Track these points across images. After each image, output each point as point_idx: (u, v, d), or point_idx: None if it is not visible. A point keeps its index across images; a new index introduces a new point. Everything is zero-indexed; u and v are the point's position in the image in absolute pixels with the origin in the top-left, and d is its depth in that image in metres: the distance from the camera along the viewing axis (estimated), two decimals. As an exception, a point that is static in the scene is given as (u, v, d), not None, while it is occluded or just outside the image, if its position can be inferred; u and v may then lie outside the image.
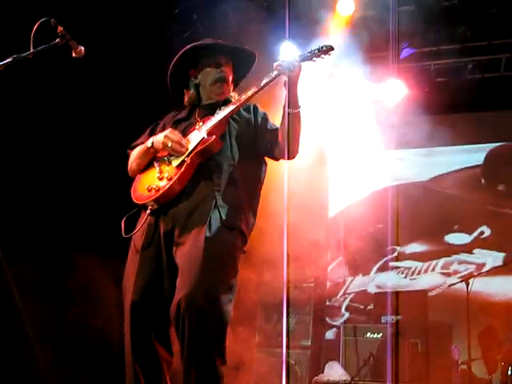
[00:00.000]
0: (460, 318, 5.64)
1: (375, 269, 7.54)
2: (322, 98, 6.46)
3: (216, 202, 2.60)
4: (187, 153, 2.62)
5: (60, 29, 2.41)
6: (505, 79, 7.06)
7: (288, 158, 2.77)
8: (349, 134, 7.20)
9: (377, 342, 5.85)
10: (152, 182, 2.65)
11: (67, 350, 5.13)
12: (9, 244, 2.41)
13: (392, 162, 7.83)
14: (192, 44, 2.92)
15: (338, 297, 7.58)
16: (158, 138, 2.70)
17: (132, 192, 2.75)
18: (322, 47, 2.74)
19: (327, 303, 7.48)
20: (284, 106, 2.67)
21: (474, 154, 7.62)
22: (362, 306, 7.07)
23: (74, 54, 2.49)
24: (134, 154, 2.84)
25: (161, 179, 2.63)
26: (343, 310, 7.49)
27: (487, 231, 7.24)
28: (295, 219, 7.50)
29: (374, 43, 6.36)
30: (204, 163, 2.65)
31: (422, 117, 7.44)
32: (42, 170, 5.28)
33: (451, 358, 5.58)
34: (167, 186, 2.59)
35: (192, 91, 2.92)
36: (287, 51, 6.12)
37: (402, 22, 6.17)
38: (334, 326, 7.27)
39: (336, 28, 6.17)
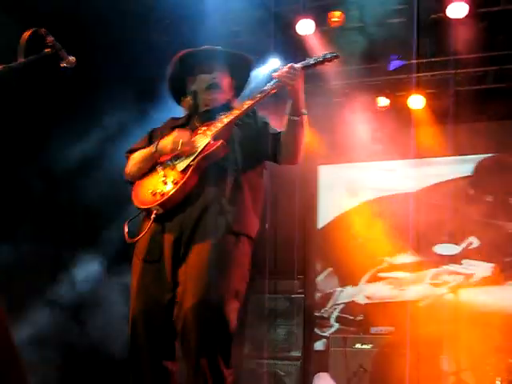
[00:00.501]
0: (449, 328, 5.65)
1: (364, 280, 7.55)
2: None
3: (222, 207, 2.58)
4: (193, 157, 2.58)
5: (50, 39, 2.40)
6: (493, 91, 7.13)
7: (291, 164, 2.79)
8: (338, 144, 7.24)
9: (366, 352, 5.85)
10: (156, 187, 2.60)
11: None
12: None
13: (381, 173, 7.87)
14: (184, 50, 2.92)
15: (328, 308, 7.57)
16: (166, 141, 2.66)
17: (134, 196, 2.70)
18: (326, 55, 2.75)
19: (316, 314, 7.48)
20: (287, 113, 2.67)
21: (463, 165, 7.67)
22: (352, 317, 7.07)
23: (63, 64, 2.47)
24: (136, 158, 2.78)
25: (166, 183, 2.58)
26: (333, 320, 7.48)
27: (476, 242, 7.28)
28: (284, 230, 7.54)
29: (364, 54, 6.43)
30: (209, 168, 2.61)
31: (412, 128, 7.51)
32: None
33: (440, 368, 5.59)
34: (173, 191, 2.54)
35: (189, 98, 2.92)
36: (274, 67, 6.20)
37: (391, 34, 6.23)
38: (323, 337, 7.26)
39: (324, 40, 6.21)
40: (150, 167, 2.71)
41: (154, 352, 2.55)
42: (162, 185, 2.58)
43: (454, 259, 7.28)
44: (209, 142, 2.60)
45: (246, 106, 2.70)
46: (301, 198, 7.69)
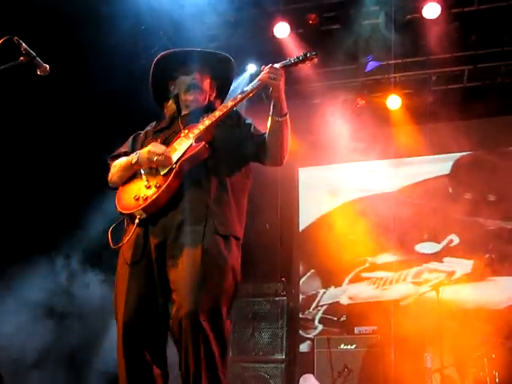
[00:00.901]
0: (432, 326, 5.69)
1: (347, 280, 7.58)
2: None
3: (208, 209, 2.55)
4: (175, 160, 2.57)
5: (23, 47, 2.38)
6: (468, 90, 7.22)
7: (277, 165, 2.77)
8: (317, 146, 7.27)
9: (351, 353, 5.87)
10: (139, 192, 2.58)
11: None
12: None
13: (361, 174, 7.92)
14: (162, 53, 2.90)
15: (311, 309, 7.59)
16: (142, 155, 2.64)
17: (117, 202, 2.66)
18: (306, 54, 2.76)
19: (300, 316, 7.49)
20: (270, 115, 2.65)
21: (441, 164, 7.75)
22: (335, 318, 7.10)
23: (38, 72, 2.46)
24: (116, 167, 2.76)
25: (148, 188, 2.57)
26: (316, 322, 7.50)
27: (456, 239, 7.35)
28: (266, 233, 7.55)
29: (340, 57, 6.47)
30: (192, 170, 2.59)
31: (390, 128, 7.57)
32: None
33: (424, 365, 5.63)
34: (156, 195, 2.52)
35: (170, 102, 2.91)
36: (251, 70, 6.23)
37: (366, 36, 6.28)
38: (307, 339, 7.27)
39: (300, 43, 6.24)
40: (132, 175, 2.70)
41: (146, 358, 2.51)
42: (145, 189, 2.57)
43: (436, 257, 7.35)
44: (191, 145, 2.59)
45: (227, 108, 2.70)
46: (282, 200, 7.71)
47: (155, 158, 2.57)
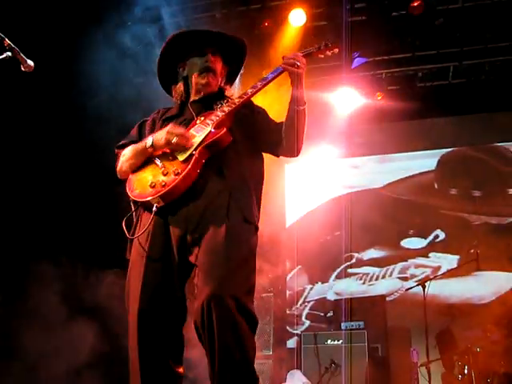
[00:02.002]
0: (418, 320, 5.73)
1: (334, 276, 7.61)
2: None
3: (231, 196, 2.43)
4: (194, 147, 2.43)
5: (6, 42, 2.35)
6: (453, 86, 7.26)
7: (292, 156, 2.67)
8: (305, 142, 7.27)
9: (338, 348, 5.89)
10: (156, 178, 2.42)
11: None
12: None
13: (346, 170, 7.95)
14: (173, 33, 2.74)
15: (298, 305, 7.61)
16: (159, 136, 2.48)
17: (129, 190, 2.50)
18: (327, 44, 2.69)
19: (287, 312, 7.51)
20: (290, 103, 2.55)
21: (426, 160, 7.79)
22: (322, 314, 7.11)
23: (23, 69, 2.43)
24: (126, 154, 2.59)
25: (166, 174, 2.41)
26: (303, 318, 7.52)
27: (442, 235, 7.40)
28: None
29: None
30: (211, 158, 2.46)
31: (375, 124, 7.60)
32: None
33: (410, 360, 5.66)
34: (175, 182, 2.37)
35: (179, 85, 2.76)
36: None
37: (353, 32, 6.29)
38: (294, 335, 7.29)
39: (287, 39, 6.23)
40: (143, 162, 2.55)
41: (163, 354, 2.39)
42: (162, 176, 2.42)
43: (421, 252, 7.40)
44: (209, 132, 2.47)
45: (247, 95, 2.59)
46: (268, 196, 7.71)
47: (174, 139, 2.43)
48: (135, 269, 2.45)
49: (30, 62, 2.43)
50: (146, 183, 2.45)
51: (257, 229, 2.52)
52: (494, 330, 5.75)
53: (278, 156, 2.73)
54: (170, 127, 2.49)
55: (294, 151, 2.64)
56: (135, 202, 2.51)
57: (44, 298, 5.17)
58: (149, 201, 2.41)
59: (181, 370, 2.44)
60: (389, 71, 7.22)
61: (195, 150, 2.43)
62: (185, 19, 6.36)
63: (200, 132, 2.49)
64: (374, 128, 7.62)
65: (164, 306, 2.39)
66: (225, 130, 2.47)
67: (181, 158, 2.43)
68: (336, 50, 2.73)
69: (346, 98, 7.15)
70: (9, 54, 2.37)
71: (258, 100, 2.78)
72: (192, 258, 2.39)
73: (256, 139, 2.66)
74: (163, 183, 2.38)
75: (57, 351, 5.08)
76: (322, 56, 2.72)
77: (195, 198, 2.41)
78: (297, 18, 6.22)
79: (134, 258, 2.49)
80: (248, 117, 2.68)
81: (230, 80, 2.87)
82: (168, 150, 2.49)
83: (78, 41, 5.45)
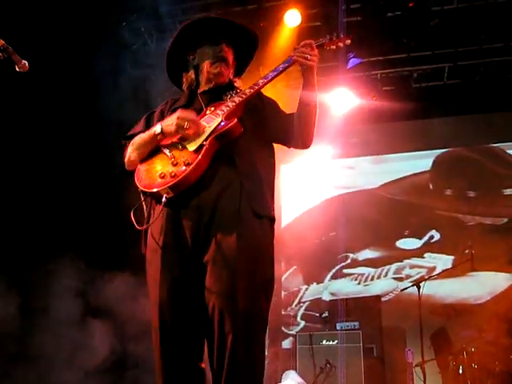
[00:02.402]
0: (413, 321, 5.74)
1: (329, 276, 7.61)
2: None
3: (242, 187, 2.37)
4: (205, 137, 2.37)
5: (1, 42, 2.34)
6: (448, 87, 7.28)
7: (303, 147, 2.63)
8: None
9: (333, 348, 5.90)
10: (165, 169, 2.35)
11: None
12: None
13: (342, 171, 7.96)
14: (185, 22, 2.68)
15: (294, 306, 7.62)
16: (169, 121, 2.41)
17: (137, 181, 2.43)
18: (338, 35, 2.67)
19: (283, 312, 7.51)
20: (301, 95, 2.52)
21: (421, 160, 7.80)
22: (318, 314, 7.10)
23: (17, 69, 2.41)
24: (135, 144, 2.51)
25: (176, 165, 2.34)
26: (299, 318, 7.53)
27: (437, 235, 7.41)
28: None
29: (321, 54, 6.46)
30: (223, 148, 2.41)
31: (370, 125, 7.61)
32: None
33: (405, 360, 5.67)
34: (186, 172, 2.30)
35: (190, 73, 2.69)
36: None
37: (348, 33, 6.28)
38: (289, 335, 7.29)
39: (283, 39, 6.23)
40: (151, 151, 2.48)
41: (187, 351, 2.33)
42: (172, 166, 2.35)
43: (417, 253, 7.41)
44: (220, 122, 2.41)
45: (258, 86, 2.54)
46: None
47: (186, 124, 2.37)
48: (152, 264, 2.39)
49: (25, 62, 2.41)
50: (155, 173, 2.38)
51: (271, 221, 2.47)
52: (489, 330, 5.77)
53: (289, 147, 2.70)
54: (180, 112, 2.42)
55: (304, 142, 2.61)
56: (144, 193, 2.43)
57: (58, 299, 5.20)
58: (158, 191, 2.33)
59: (203, 365, 2.39)
60: (384, 72, 7.23)
61: (205, 140, 2.37)
62: (180, 19, 6.36)
63: (210, 122, 2.43)
64: (369, 128, 7.63)
65: (183, 296, 2.33)
66: (235, 120, 2.41)
67: (191, 148, 2.38)
68: (348, 41, 2.70)
69: (341, 98, 7.16)
70: (4, 54, 2.36)
71: (269, 92, 2.74)
72: (205, 254, 2.33)
73: (267, 130, 2.60)
74: (173, 174, 2.32)
75: (71, 355, 5.10)
76: (334, 47, 2.69)
77: (206, 188, 2.35)
78: (292, 19, 6.22)
79: (150, 254, 2.43)
80: (258, 107, 2.63)
81: (239, 73, 2.81)
82: (177, 140, 2.43)
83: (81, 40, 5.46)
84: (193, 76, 2.68)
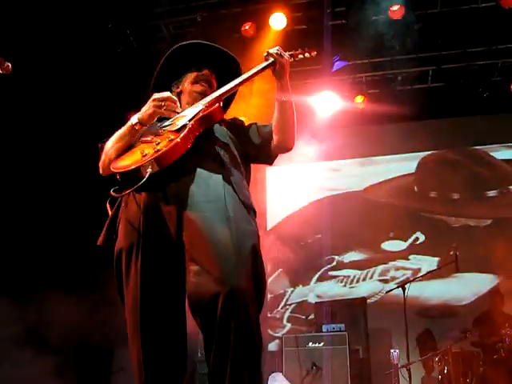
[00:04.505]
0: (398, 322, 5.76)
1: (315, 279, 7.63)
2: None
3: (225, 175, 2.30)
4: (188, 119, 2.31)
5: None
6: (432, 90, 7.34)
7: (287, 149, 2.59)
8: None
9: (319, 351, 5.90)
10: (147, 149, 2.23)
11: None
12: None
13: (327, 173, 7.98)
14: (170, 50, 2.65)
15: (279, 308, 7.62)
16: (145, 107, 2.35)
17: (114, 168, 2.27)
18: (304, 48, 2.69)
19: (268, 315, 7.51)
20: (276, 98, 2.52)
21: (406, 163, 7.85)
22: (303, 316, 7.13)
23: (0, 71, 2.40)
24: (113, 139, 2.39)
25: (158, 144, 2.23)
26: (285, 321, 7.53)
27: (421, 237, 7.46)
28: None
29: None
30: (205, 140, 2.35)
31: (355, 127, 7.64)
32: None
33: (391, 361, 5.69)
34: (171, 144, 2.20)
35: None
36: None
37: (333, 36, 6.33)
38: (276, 338, 7.30)
39: (268, 42, 6.25)
40: (130, 145, 2.36)
41: (164, 341, 2.21)
42: (154, 145, 2.24)
43: (402, 255, 7.46)
44: (202, 108, 2.37)
45: (235, 83, 2.52)
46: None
47: (162, 103, 2.32)
48: (128, 255, 2.25)
49: (8, 64, 2.39)
50: (136, 154, 2.26)
51: (254, 212, 2.39)
52: (474, 330, 5.82)
53: (271, 159, 2.65)
54: (154, 95, 2.36)
55: (288, 143, 2.58)
56: (121, 176, 2.25)
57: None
58: (139, 166, 2.18)
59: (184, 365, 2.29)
60: (368, 75, 7.27)
61: (190, 120, 2.31)
62: (166, 22, 6.37)
63: (191, 110, 2.40)
64: (355, 131, 7.67)
65: (166, 289, 2.22)
66: (218, 105, 2.38)
67: (173, 129, 2.30)
68: (314, 53, 2.72)
69: (327, 101, 7.19)
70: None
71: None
72: (188, 241, 2.19)
73: (246, 146, 2.57)
74: (156, 149, 2.21)
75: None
76: (302, 56, 2.71)
77: (187, 175, 2.26)
78: (277, 22, 6.25)
79: (124, 245, 2.27)
80: (236, 121, 2.64)
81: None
82: (157, 122, 2.38)
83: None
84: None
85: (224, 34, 6.26)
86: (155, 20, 6.33)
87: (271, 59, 2.54)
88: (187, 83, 2.61)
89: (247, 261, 2.17)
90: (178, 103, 2.38)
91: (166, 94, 2.37)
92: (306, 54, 2.71)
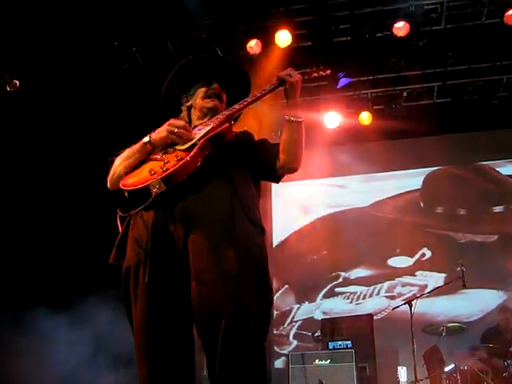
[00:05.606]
0: (405, 339, 5.72)
1: (321, 295, 7.59)
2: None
3: (233, 192, 2.30)
4: (197, 138, 2.31)
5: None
6: (438, 106, 7.35)
7: (293, 169, 2.55)
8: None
9: (325, 368, 5.85)
10: (156, 167, 2.23)
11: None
12: None
13: (333, 189, 7.97)
14: (179, 63, 2.64)
15: (286, 325, 7.58)
16: (159, 129, 2.37)
17: (123, 185, 2.27)
18: (319, 66, 2.75)
19: (275, 332, 7.47)
20: (286, 118, 2.51)
21: (412, 179, 7.84)
22: (310, 333, 7.08)
23: (8, 89, 2.42)
24: (123, 155, 2.40)
25: (167, 163, 2.23)
26: (291, 338, 7.49)
27: (428, 253, 7.43)
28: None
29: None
30: (214, 158, 2.33)
31: (361, 144, 7.65)
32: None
33: (398, 379, 5.64)
34: (179, 164, 2.20)
35: (183, 114, 2.63)
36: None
37: (338, 52, 6.36)
38: (282, 355, 7.25)
39: (273, 59, 6.29)
40: (139, 163, 2.36)
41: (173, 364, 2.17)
42: (163, 164, 2.23)
43: (408, 271, 7.42)
44: (212, 127, 2.37)
45: (246, 102, 2.53)
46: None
47: (176, 130, 2.32)
48: (135, 274, 2.23)
49: (16, 82, 2.41)
50: (144, 173, 2.26)
51: (263, 231, 2.37)
52: (481, 347, 5.76)
53: (278, 178, 2.61)
54: (170, 120, 2.39)
55: (295, 163, 2.54)
56: (130, 193, 2.25)
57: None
58: (147, 185, 2.18)
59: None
60: (374, 91, 7.30)
61: (199, 140, 2.31)
62: (171, 39, 6.41)
63: (202, 129, 2.39)
64: (360, 147, 7.68)
65: (176, 312, 2.20)
66: (228, 124, 2.38)
67: (183, 148, 2.30)
68: (328, 72, 2.77)
69: (332, 117, 7.21)
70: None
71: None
72: (192, 260, 2.19)
73: (254, 164, 2.54)
74: (164, 168, 2.20)
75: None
76: (316, 75, 2.76)
77: (195, 192, 2.25)
78: (282, 39, 6.28)
79: (132, 263, 2.26)
80: (246, 144, 2.59)
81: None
82: (168, 144, 2.37)
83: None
84: (186, 118, 2.62)
85: (229, 52, 6.30)
86: (161, 37, 6.37)
87: (281, 80, 2.53)
88: (198, 99, 2.60)
89: (251, 282, 2.17)
90: (192, 134, 2.35)
91: (182, 122, 2.38)
92: (321, 73, 2.74)
